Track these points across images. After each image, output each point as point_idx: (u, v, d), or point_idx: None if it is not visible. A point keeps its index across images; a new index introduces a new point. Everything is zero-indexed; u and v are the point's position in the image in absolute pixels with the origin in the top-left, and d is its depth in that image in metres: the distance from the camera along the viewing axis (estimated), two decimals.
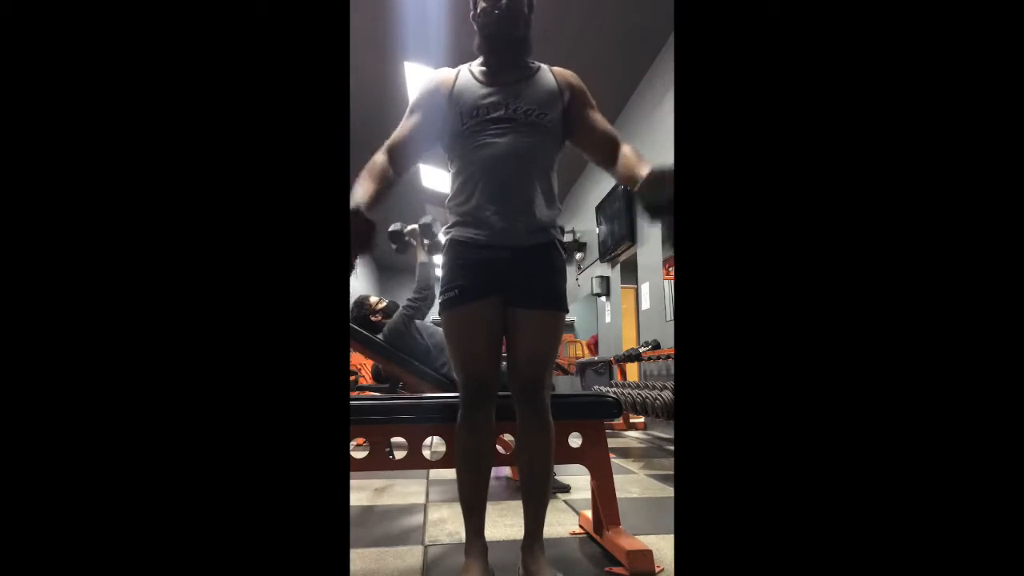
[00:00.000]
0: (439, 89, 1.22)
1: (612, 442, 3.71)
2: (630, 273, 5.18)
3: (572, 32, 3.97)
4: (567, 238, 4.47)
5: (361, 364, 5.37)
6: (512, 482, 2.35)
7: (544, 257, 1.19)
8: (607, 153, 1.21)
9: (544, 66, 1.26)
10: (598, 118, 1.25)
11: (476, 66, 1.24)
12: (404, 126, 1.23)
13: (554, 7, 3.65)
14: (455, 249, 1.19)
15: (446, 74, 1.24)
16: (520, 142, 1.16)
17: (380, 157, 1.19)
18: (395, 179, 1.19)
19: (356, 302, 2.76)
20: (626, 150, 1.18)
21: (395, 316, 2.55)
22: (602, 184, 5.65)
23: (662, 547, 1.47)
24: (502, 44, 1.21)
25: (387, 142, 1.22)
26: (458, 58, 1.29)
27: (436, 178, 6.94)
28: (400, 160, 1.21)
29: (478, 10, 1.20)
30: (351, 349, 2.79)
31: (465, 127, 1.17)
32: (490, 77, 1.21)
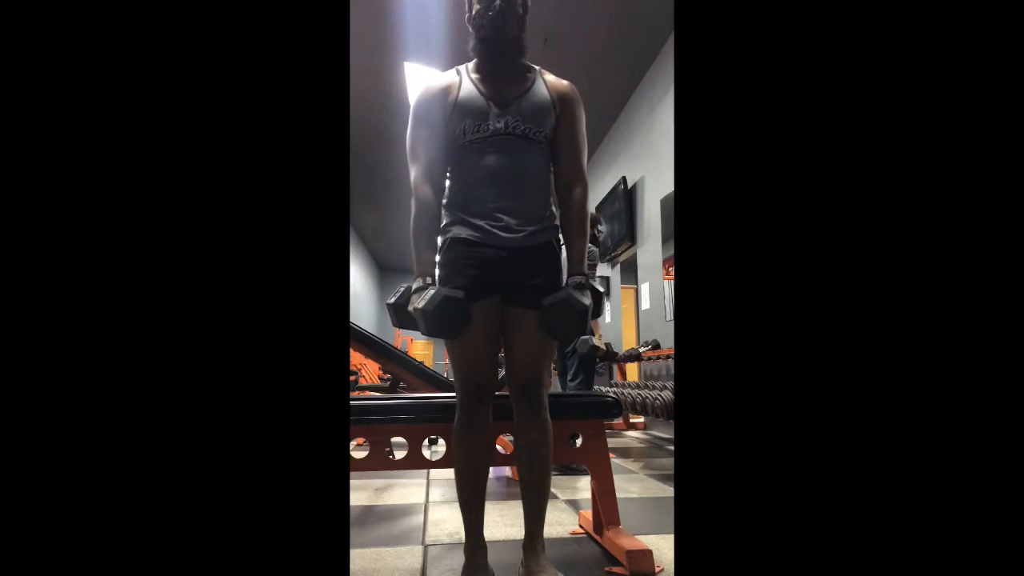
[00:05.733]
0: (441, 98, 1.22)
1: (612, 442, 3.71)
2: (630, 273, 5.18)
3: (573, 33, 3.97)
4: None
5: (361, 364, 5.37)
6: (512, 482, 2.35)
7: (542, 257, 1.21)
8: (561, 182, 1.25)
9: (539, 77, 1.25)
10: (573, 145, 1.25)
11: (474, 71, 1.24)
12: (427, 145, 1.22)
13: (554, 8, 3.65)
14: (454, 248, 1.20)
15: (447, 81, 1.23)
16: (516, 154, 1.19)
17: (426, 193, 1.20)
18: (439, 187, 1.23)
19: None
20: (573, 205, 1.23)
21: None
22: (602, 184, 5.65)
23: (662, 547, 1.47)
24: (497, 45, 1.21)
25: (420, 168, 1.21)
26: (457, 59, 1.29)
27: None
28: (441, 181, 1.24)
29: (473, 12, 1.22)
30: (351, 349, 2.80)
31: (466, 140, 1.20)
32: (489, 88, 1.21)
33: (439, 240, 1.24)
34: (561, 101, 1.23)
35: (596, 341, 2.96)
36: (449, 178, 1.25)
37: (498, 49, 1.22)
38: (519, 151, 1.19)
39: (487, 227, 1.18)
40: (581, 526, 1.68)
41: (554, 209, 1.27)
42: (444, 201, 1.25)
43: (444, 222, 1.24)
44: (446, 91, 1.22)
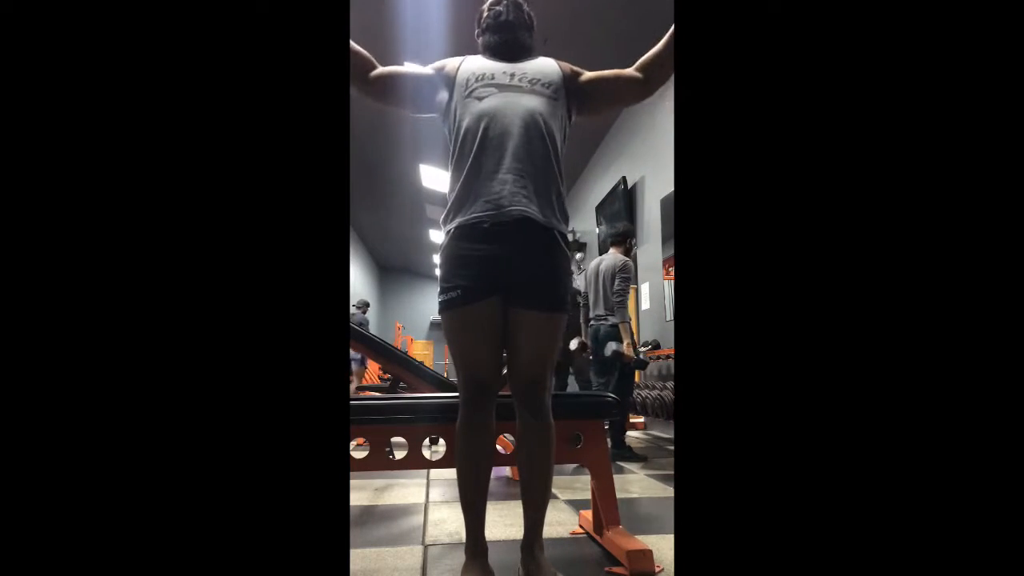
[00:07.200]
0: (446, 65, 1.30)
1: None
2: None
3: (572, 32, 3.97)
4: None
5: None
6: (512, 482, 2.36)
7: (545, 255, 1.19)
8: (624, 78, 1.29)
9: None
10: (608, 71, 1.31)
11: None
12: (406, 71, 1.31)
13: (555, 7, 3.65)
14: (455, 243, 1.18)
15: (454, 59, 1.31)
16: (523, 101, 1.20)
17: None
18: (367, 77, 1.26)
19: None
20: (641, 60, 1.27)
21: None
22: (602, 184, 5.65)
23: (662, 547, 1.47)
24: (506, 54, 1.28)
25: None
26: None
27: (436, 178, 6.94)
28: (385, 79, 1.28)
29: (482, 27, 1.31)
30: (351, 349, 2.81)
31: (469, 89, 1.23)
32: (497, 58, 1.30)
33: (447, 229, 1.24)
34: (570, 68, 1.31)
35: (623, 348, 3.00)
36: (452, 141, 1.24)
37: (507, 57, 1.29)
38: (526, 98, 1.21)
39: (487, 191, 1.15)
40: (581, 526, 1.68)
41: (562, 190, 1.23)
42: (447, 196, 1.23)
43: (446, 217, 1.22)
44: (450, 61, 1.30)
